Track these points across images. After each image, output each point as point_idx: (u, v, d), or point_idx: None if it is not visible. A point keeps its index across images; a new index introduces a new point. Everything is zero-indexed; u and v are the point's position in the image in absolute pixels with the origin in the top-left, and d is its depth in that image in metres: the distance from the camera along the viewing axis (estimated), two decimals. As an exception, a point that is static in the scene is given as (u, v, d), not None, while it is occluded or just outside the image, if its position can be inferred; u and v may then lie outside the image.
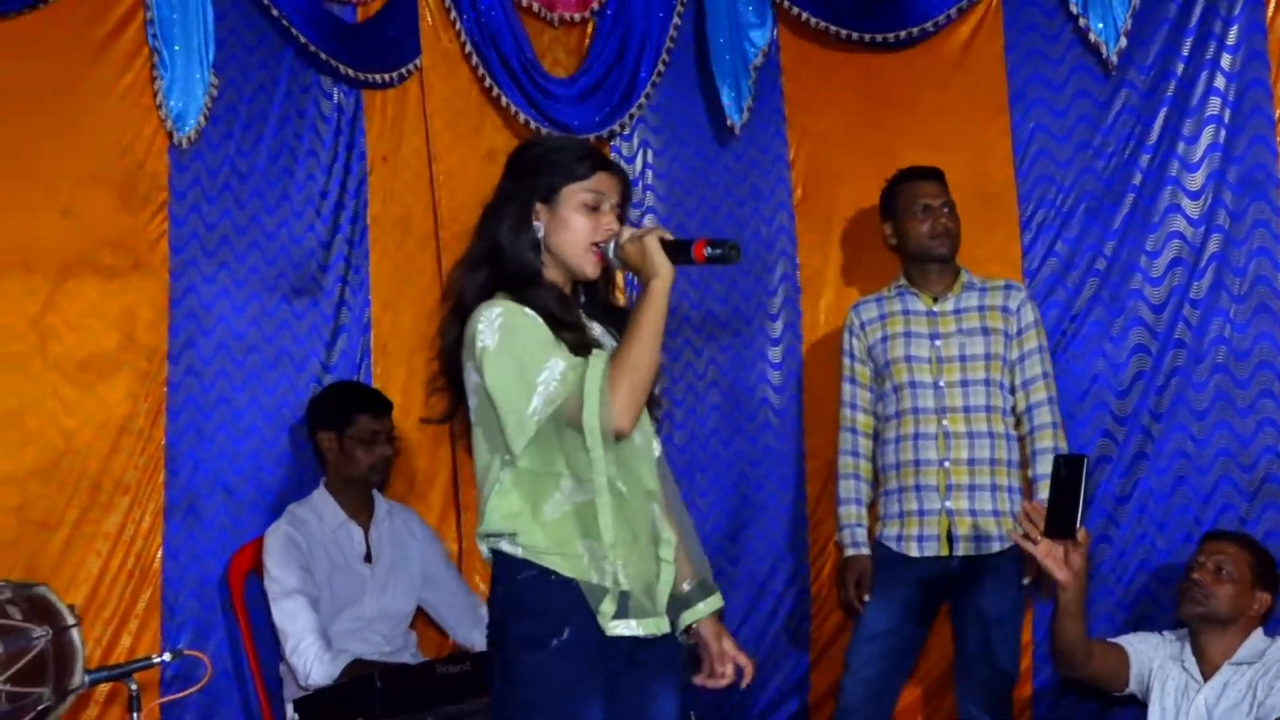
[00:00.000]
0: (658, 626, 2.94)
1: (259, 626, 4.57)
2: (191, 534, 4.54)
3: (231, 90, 4.64)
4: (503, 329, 2.85)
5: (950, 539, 4.39)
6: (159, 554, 4.46)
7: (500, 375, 2.84)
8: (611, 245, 2.93)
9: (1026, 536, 3.67)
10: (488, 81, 5.08)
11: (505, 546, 2.90)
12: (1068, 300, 4.84)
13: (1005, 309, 4.45)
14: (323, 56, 4.78)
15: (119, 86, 4.43)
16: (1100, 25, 4.73)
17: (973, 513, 4.38)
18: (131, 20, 4.43)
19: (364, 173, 4.97)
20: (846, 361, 4.65)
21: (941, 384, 4.43)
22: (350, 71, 4.87)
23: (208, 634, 4.55)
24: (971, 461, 4.39)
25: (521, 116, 5.11)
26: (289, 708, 4.39)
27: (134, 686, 3.28)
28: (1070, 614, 3.82)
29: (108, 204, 4.41)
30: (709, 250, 2.88)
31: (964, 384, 4.42)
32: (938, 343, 4.46)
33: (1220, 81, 4.65)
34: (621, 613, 2.87)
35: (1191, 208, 4.70)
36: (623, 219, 3.00)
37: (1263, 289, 4.61)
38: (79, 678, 3.35)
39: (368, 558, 4.53)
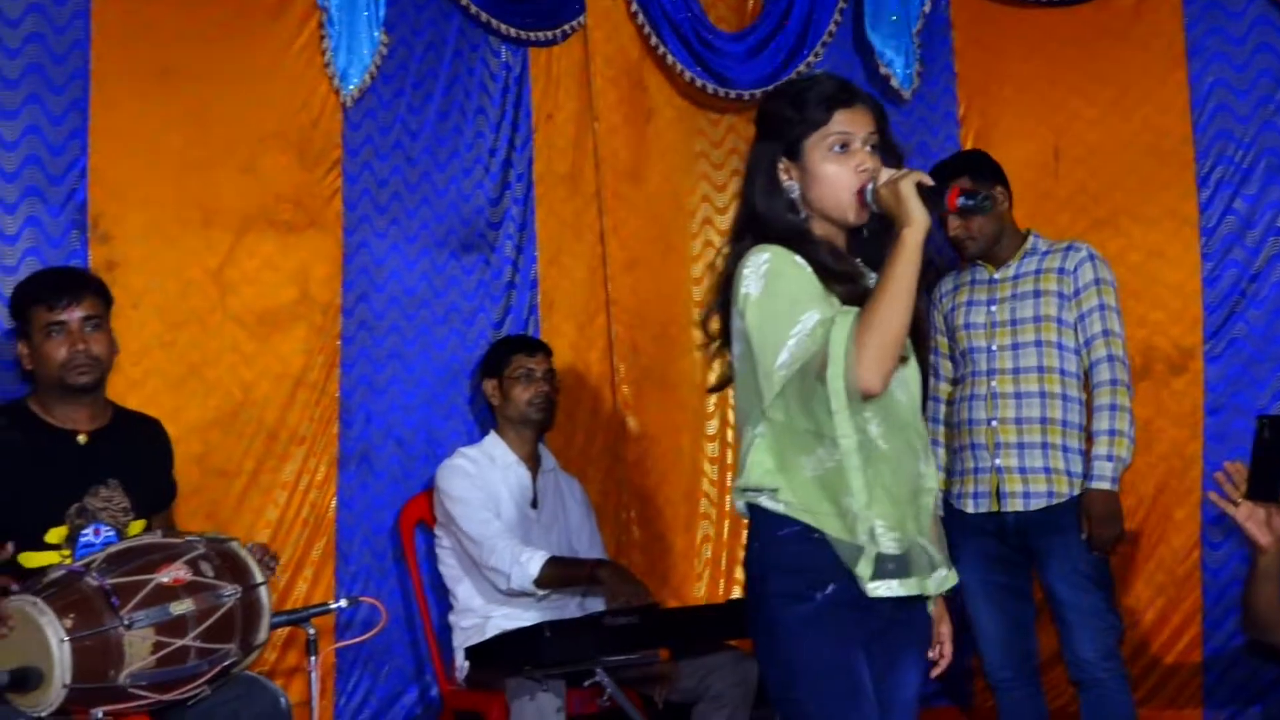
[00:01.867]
0: (920, 586, 2.74)
1: (428, 575, 4.60)
2: (364, 484, 4.58)
3: (402, 49, 4.64)
4: (768, 275, 2.67)
5: (999, 495, 4.32)
6: (333, 503, 4.50)
7: (759, 324, 2.67)
8: (870, 188, 2.68)
9: (1227, 498, 3.56)
10: (653, 39, 5.04)
11: (765, 502, 2.73)
12: (1246, 259, 4.71)
13: (1061, 270, 4.33)
14: (484, 17, 4.78)
15: (294, 45, 4.44)
16: (1283, -26, 4.60)
17: (1022, 470, 4.30)
18: (306, -21, 4.45)
19: (530, 130, 4.95)
20: (934, 335, 4.56)
21: (994, 347, 4.36)
22: (514, 31, 4.86)
23: (379, 582, 4.58)
24: (1019, 420, 4.31)
25: (687, 74, 5.07)
26: (458, 655, 4.42)
27: (312, 631, 3.30)
28: (1269, 577, 3.67)
29: (285, 161, 4.43)
30: (963, 200, 2.67)
31: (1014, 346, 4.33)
32: (993, 308, 4.38)
33: None
34: (881, 573, 2.68)
35: (1379, 163, 4.55)
36: (884, 148, 2.74)
37: None
38: (264, 634, 3.39)
39: (534, 504, 4.53)
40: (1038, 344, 4.33)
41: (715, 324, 2.84)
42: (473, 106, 4.84)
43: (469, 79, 4.83)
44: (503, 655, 4.06)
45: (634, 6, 5.01)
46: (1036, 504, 4.30)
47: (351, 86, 4.51)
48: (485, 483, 4.42)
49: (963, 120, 5.14)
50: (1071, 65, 4.95)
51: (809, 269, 2.68)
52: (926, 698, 5.08)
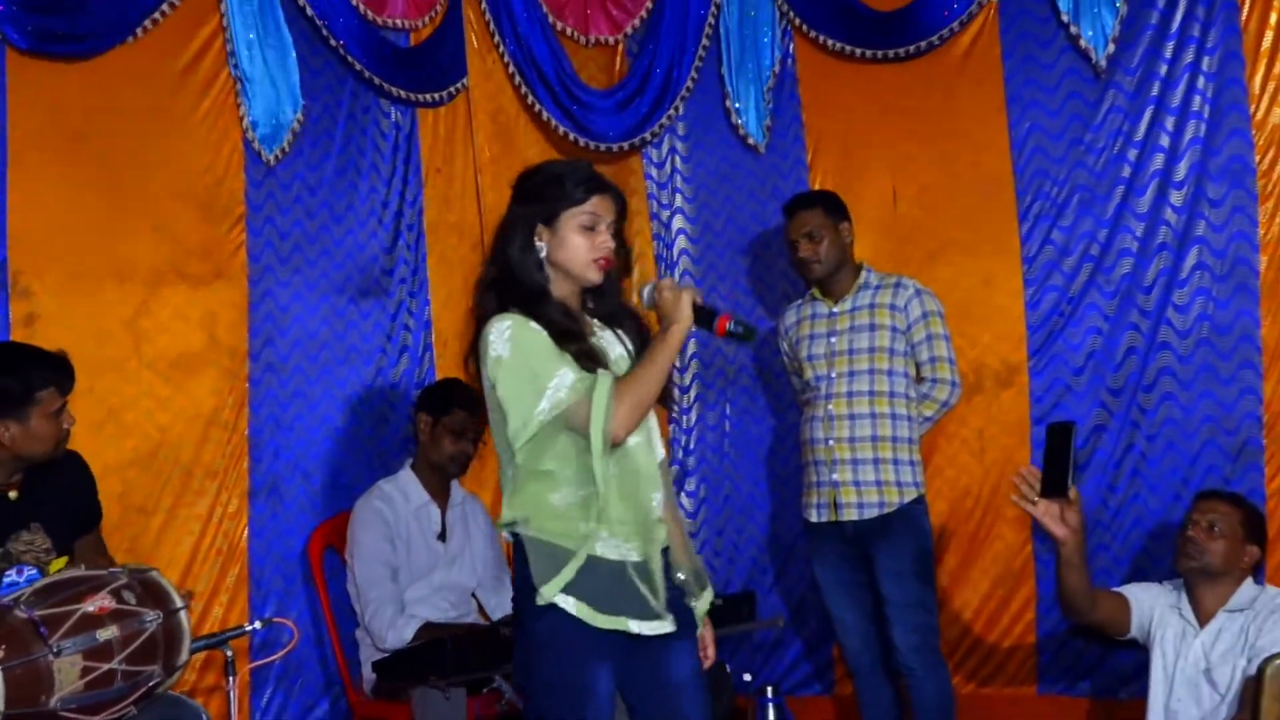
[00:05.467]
0: (655, 626, 2.97)
1: (336, 596, 4.58)
2: (274, 514, 4.55)
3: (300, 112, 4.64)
4: (513, 340, 2.89)
5: (835, 506, 4.44)
6: (245, 533, 4.47)
7: (512, 380, 2.89)
8: (649, 288, 2.98)
9: (1025, 498, 3.70)
10: (530, 98, 5.09)
11: (521, 529, 2.95)
12: (1064, 284, 4.79)
13: (893, 306, 4.48)
14: (376, 81, 4.79)
15: (199, 111, 4.41)
16: (1090, 33, 4.67)
17: (856, 483, 4.42)
18: (208, 51, 4.42)
19: (420, 184, 4.97)
20: (785, 361, 4.75)
21: (833, 375, 4.49)
22: (403, 93, 4.89)
23: (290, 605, 4.54)
24: (852, 439, 4.43)
25: (560, 129, 5.12)
26: (366, 669, 4.41)
27: (229, 653, 3.28)
28: (1072, 565, 3.82)
29: (192, 218, 4.40)
30: (731, 325, 2.96)
31: (850, 374, 4.46)
32: (833, 339, 4.52)
33: (1200, 81, 4.57)
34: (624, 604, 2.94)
35: (1176, 196, 4.62)
36: (619, 235, 3.04)
37: (1242, 269, 4.54)
38: (185, 655, 3.36)
39: (441, 536, 4.54)
40: (870, 371, 4.45)
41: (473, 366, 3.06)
42: (366, 163, 4.85)
43: (362, 138, 4.83)
44: (409, 667, 4.07)
45: (511, 68, 5.06)
46: (870, 513, 4.42)
47: (275, 149, 4.51)
48: (396, 523, 4.43)
49: (811, 166, 5.21)
50: (905, 114, 5.03)
51: (544, 333, 2.92)
52: (794, 686, 5.16)
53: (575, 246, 2.98)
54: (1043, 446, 3.70)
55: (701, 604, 3.12)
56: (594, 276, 3.01)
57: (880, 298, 4.51)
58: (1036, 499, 3.67)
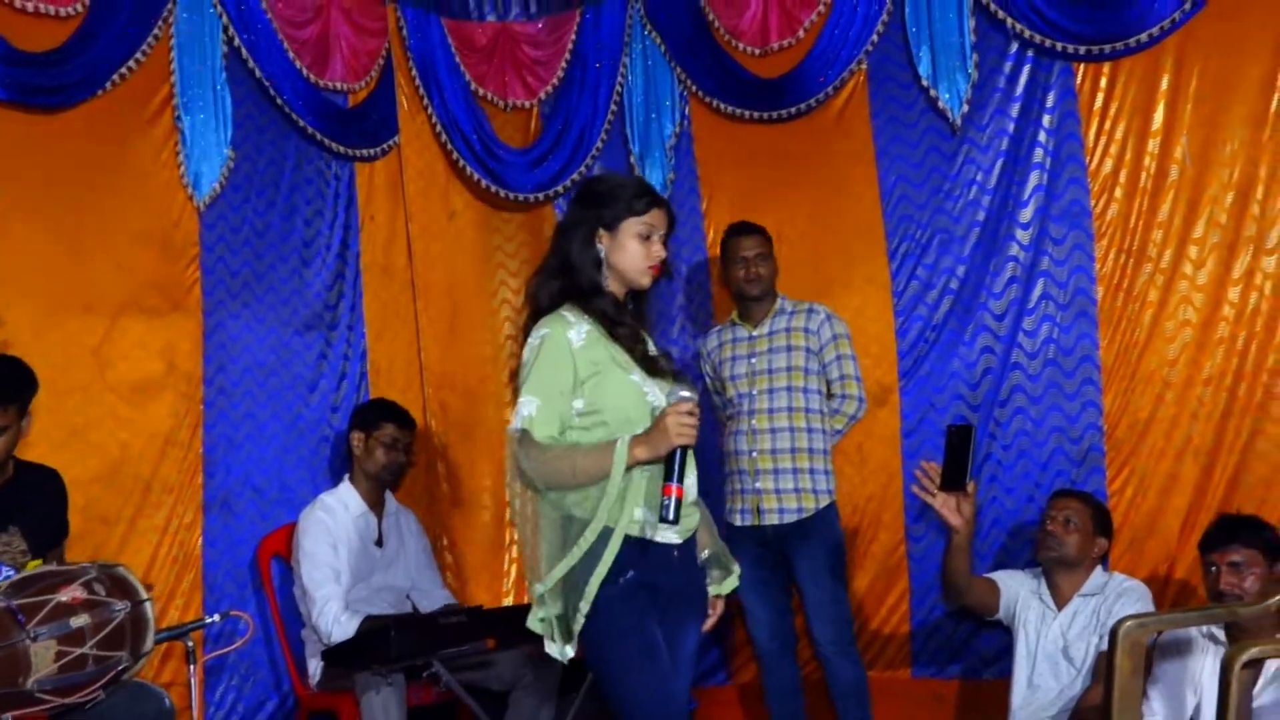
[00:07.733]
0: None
1: (283, 601, 4.49)
2: (226, 525, 4.45)
3: (248, 163, 4.59)
4: (538, 348, 2.90)
5: (759, 512, 4.41)
6: (199, 542, 4.37)
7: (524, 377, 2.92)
8: (679, 394, 2.84)
9: (926, 490, 3.75)
10: (454, 155, 5.09)
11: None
12: (928, 314, 4.83)
13: (806, 329, 4.48)
14: (318, 137, 4.76)
15: (158, 161, 4.36)
16: (947, 95, 4.74)
17: (777, 491, 4.39)
18: (166, 106, 4.37)
19: (358, 228, 4.93)
20: (707, 381, 4.70)
21: (754, 392, 4.46)
22: (342, 148, 4.86)
23: (241, 609, 4.38)
24: (774, 451, 4.40)
25: (482, 182, 5.13)
26: (312, 664, 4.30)
27: (190, 643, 3.21)
28: (960, 551, 3.86)
29: (152, 256, 4.33)
30: (666, 500, 2.82)
31: (770, 391, 4.44)
32: (753, 360, 4.50)
33: (1043, 136, 4.65)
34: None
35: (1023, 236, 4.69)
36: (666, 244, 3.00)
37: (1081, 299, 4.62)
38: (150, 643, 3.27)
39: (378, 542, 4.46)
40: (788, 389, 4.43)
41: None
42: (311, 209, 4.80)
43: (307, 187, 4.79)
44: (354, 654, 3.96)
45: (438, 128, 5.06)
46: (789, 518, 4.38)
47: (205, 193, 4.44)
48: (337, 530, 4.33)
49: (705, 214, 5.23)
50: (788, 168, 5.05)
51: (566, 349, 2.88)
52: (700, 677, 5.11)
53: (632, 252, 2.94)
54: (943, 446, 3.71)
55: (730, 582, 3.10)
56: (645, 281, 2.97)
57: (795, 322, 4.50)
58: (936, 491, 3.71)
